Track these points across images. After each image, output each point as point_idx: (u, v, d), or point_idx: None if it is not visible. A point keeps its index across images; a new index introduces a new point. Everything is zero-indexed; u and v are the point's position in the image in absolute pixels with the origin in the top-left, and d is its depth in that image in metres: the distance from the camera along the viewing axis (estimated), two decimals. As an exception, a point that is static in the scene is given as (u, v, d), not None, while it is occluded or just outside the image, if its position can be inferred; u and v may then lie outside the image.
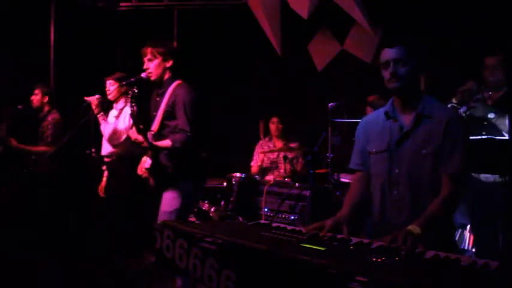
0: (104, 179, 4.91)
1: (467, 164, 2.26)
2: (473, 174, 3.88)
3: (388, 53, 2.32)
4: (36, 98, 5.32)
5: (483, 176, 3.84)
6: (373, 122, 2.51)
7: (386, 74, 2.33)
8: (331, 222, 2.21)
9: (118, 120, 4.63)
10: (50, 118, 5.29)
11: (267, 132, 5.77)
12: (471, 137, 3.58)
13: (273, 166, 5.48)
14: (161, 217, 3.36)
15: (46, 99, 5.33)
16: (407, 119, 2.36)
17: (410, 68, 2.29)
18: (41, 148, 5.20)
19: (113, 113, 4.79)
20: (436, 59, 4.79)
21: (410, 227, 2.05)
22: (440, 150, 2.25)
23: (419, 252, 1.87)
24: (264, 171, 5.53)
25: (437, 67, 4.83)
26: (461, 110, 3.80)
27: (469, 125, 3.82)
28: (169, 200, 3.40)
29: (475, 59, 4.21)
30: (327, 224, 2.19)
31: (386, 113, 2.44)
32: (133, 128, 3.36)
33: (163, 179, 3.43)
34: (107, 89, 4.71)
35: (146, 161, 3.42)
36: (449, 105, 3.83)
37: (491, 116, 3.81)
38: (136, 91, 3.36)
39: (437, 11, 4.95)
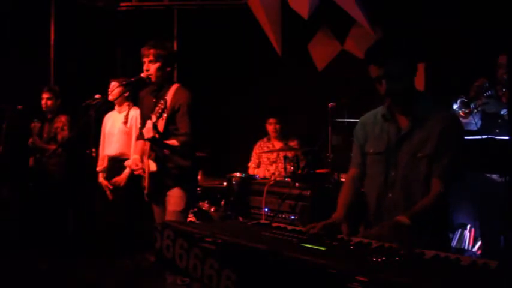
0: (105, 181, 4.90)
1: (457, 167, 2.24)
2: (486, 174, 3.89)
3: (374, 70, 2.29)
4: (50, 101, 5.33)
5: (495, 176, 3.85)
6: (371, 122, 2.50)
7: (380, 89, 2.31)
8: (326, 224, 2.18)
9: (128, 127, 4.82)
10: (62, 120, 5.32)
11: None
12: (475, 137, 3.61)
13: (273, 167, 5.46)
14: (170, 217, 3.39)
15: (59, 102, 5.40)
16: (404, 121, 2.34)
17: (402, 80, 2.25)
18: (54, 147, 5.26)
19: (118, 117, 4.84)
20: (439, 57, 4.83)
21: (399, 218, 2.05)
22: (434, 153, 2.23)
23: (419, 252, 1.87)
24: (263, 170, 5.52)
25: (440, 65, 4.86)
26: (473, 106, 3.81)
27: (487, 122, 3.84)
28: (177, 199, 3.45)
29: (480, 57, 4.22)
30: (320, 225, 2.17)
31: (383, 116, 2.42)
32: (147, 126, 3.38)
33: (171, 180, 3.46)
34: (110, 89, 4.75)
35: (136, 159, 3.53)
36: (458, 101, 3.85)
37: (504, 112, 3.82)
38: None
39: (437, 9, 4.94)
